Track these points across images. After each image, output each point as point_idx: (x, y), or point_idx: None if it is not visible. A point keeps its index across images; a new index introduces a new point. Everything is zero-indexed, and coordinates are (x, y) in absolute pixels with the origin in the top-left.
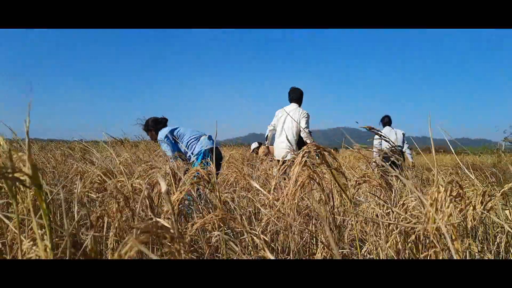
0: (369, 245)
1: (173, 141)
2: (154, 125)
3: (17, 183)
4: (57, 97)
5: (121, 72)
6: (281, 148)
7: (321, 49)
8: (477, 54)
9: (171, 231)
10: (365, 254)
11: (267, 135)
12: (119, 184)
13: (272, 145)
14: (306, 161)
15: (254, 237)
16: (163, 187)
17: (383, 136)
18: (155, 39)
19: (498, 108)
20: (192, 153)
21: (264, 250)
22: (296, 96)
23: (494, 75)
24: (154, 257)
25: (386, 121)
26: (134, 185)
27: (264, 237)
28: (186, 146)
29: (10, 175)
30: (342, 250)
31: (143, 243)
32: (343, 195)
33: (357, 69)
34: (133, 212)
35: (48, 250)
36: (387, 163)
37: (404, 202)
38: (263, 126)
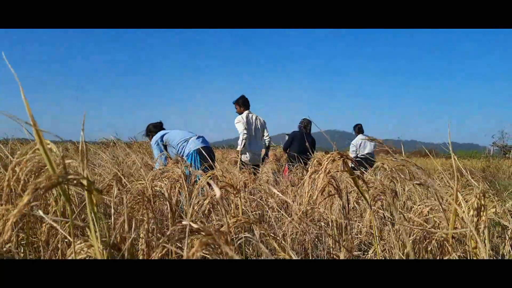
0: (379, 247)
1: (162, 146)
2: (153, 129)
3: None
4: (48, 96)
5: (113, 71)
6: (257, 154)
7: (314, 50)
8: (467, 57)
9: (226, 236)
10: (373, 256)
11: (245, 143)
12: (141, 187)
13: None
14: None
15: (272, 240)
16: (218, 193)
17: (359, 144)
18: (150, 38)
19: (487, 112)
20: (183, 156)
21: (288, 253)
22: (248, 103)
23: (483, 79)
24: (236, 257)
25: (359, 128)
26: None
27: (284, 242)
28: (176, 150)
29: (76, 181)
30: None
31: (207, 244)
32: (362, 200)
33: (349, 71)
34: (154, 214)
35: (103, 251)
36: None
37: (418, 208)
38: None
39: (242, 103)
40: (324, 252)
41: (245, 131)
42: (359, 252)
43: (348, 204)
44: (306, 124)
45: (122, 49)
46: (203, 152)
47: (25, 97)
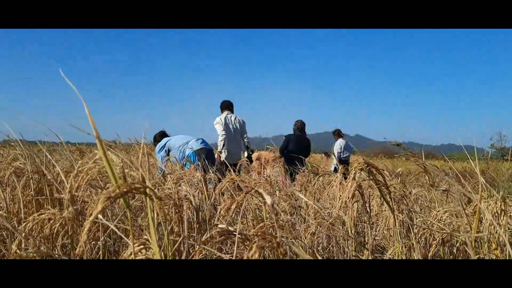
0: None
1: (165, 152)
2: (159, 138)
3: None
4: (46, 96)
5: (113, 71)
6: (236, 153)
7: (313, 51)
8: (463, 58)
9: (277, 238)
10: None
11: (224, 143)
12: (168, 191)
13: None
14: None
15: (294, 244)
16: (268, 200)
17: (342, 147)
18: (151, 38)
19: (483, 114)
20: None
21: (315, 255)
22: (229, 105)
23: (481, 80)
24: (307, 256)
25: (339, 133)
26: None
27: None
28: (178, 153)
29: (144, 190)
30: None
31: (262, 247)
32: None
33: (345, 73)
34: (181, 218)
35: (161, 253)
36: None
37: (437, 213)
38: (256, 129)
39: (221, 105)
40: (346, 253)
41: (224, 132)
42: (378, 254)
43: (370, 208)
44: (299, 126)
45: (122, 49)
46: (203, 152)
47: (89, 111)
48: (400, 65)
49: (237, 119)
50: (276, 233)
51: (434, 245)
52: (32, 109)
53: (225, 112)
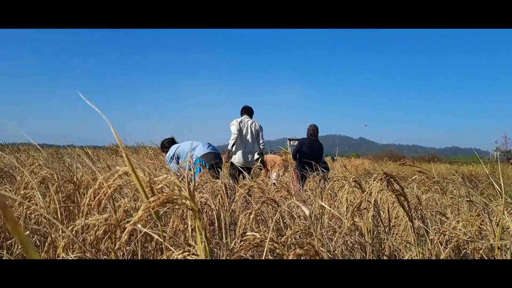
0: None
1: (176, 160)
2: (167, 145)
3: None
4: (45, 96)
5: (113, 72)
6: (249, 157)
7: (312, 53)
8: (467, 60)
9: (316, 247)
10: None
11: (234, 144)
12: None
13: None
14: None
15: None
16: (306, 212)
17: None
18: (150, 38)
19: (487, 117)
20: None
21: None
22: (248, 110)
23: (483, 83)
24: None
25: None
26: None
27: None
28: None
29: (180, 201)
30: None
31: (300, 255)
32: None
33: (348, 75)
34: (205, 225)
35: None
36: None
37: (453, 221)
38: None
39: (242, 110)
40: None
41: (236, 133)
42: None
43: (389, 216)
44: (311, 130)
45: (122, 49)
46: (211, 156)
47: (116, 134)
48: (403, 68)
49: (254, 124)
50: (310, 241)
51: (449, 249)
52: (32, 110)
53: (243, 116)
